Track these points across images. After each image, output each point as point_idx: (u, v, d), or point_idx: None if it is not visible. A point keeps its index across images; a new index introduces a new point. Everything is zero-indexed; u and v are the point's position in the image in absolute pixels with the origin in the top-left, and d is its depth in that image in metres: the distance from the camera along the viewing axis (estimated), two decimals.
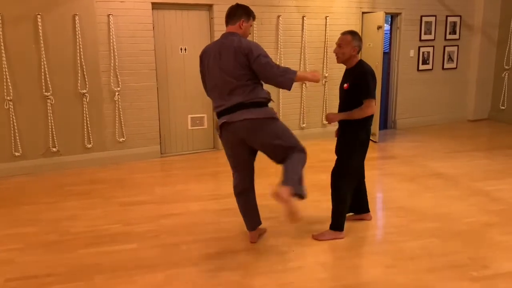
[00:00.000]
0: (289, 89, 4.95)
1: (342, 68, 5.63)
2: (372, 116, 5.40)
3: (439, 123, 12.15)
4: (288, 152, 4.97)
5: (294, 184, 4.83)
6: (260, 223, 5.58)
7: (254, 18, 5.14)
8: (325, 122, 5.21)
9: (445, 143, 10.20)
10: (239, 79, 4.87)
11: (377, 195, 7.18)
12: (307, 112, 10.38)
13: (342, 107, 5.44)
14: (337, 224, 5.58)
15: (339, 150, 5.55)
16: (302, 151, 5.03)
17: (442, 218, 6.17)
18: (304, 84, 10.24)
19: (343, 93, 5.39)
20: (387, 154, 9.48)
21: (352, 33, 5.36)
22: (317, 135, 10.36)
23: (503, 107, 12.11)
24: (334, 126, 5.70)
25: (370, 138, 9.92)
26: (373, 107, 5.25)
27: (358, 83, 5.23)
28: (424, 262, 4.98)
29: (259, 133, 4.91)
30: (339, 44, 5.34)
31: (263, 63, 4.80)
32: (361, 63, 5.38)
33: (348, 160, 5.46)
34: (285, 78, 4.84)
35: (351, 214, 5.96)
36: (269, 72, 4.83)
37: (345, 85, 5.33)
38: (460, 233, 5.70)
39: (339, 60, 5.42)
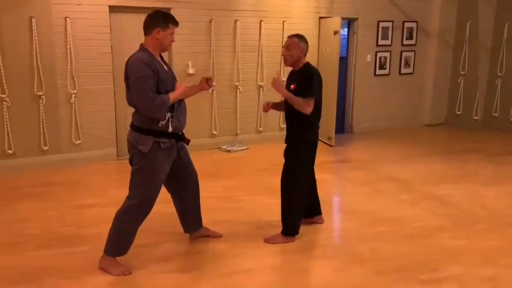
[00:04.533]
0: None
1: None
2: (319, 118, 5.53)
3: (396, 127, 12.31)
4: (128, 193, 4.91)
5: (108, 251, 4.93)
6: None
7: (175, 24, 4.85)
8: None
9: (401, 147, 10.38)
10: (128, 99, 4.85)
11: (330, 198, 7.29)
12: (264, 115, 10.38)
13: (288, 108, 5.51)
14: (289, 230, 5.65)
15: (288, 153, 5.61)
16: (130, 206, 4.84)
17: (393, 222, 6.31)
18: (261, 88, 10.34)
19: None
20: (342, 158, 9.62)
21: (299, 36, 5.47)
22: (274, 138, 10.35)
23: (458, 112, 12.39)
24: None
25: (327, 142, 10.11)
26: (311, 107, 5.28)
27: (303, 83, 5.30)
28: (373, 265, 5.09)
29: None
30: (287, 47, 5.42)
31: (135, 90, 4.62)
32: (308, 65, 5.49)
33: (297, 163, 5.53)
34: (158, 115, 4.64)
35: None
36: (140, 103, 4.63)
37: (292, 85, 5.39)
38: (410, 237, 5.84)
39: (287, 63, 5.52)
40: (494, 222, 6.35)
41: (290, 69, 5.65)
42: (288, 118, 5.58)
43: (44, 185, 7.71)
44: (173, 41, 4.93)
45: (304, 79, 5.34)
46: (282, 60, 5.64)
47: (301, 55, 5.42)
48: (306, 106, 5.26)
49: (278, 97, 5.96)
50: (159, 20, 4.75)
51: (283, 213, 5.66)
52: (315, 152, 5.65)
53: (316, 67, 10.42)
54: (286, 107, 5.54)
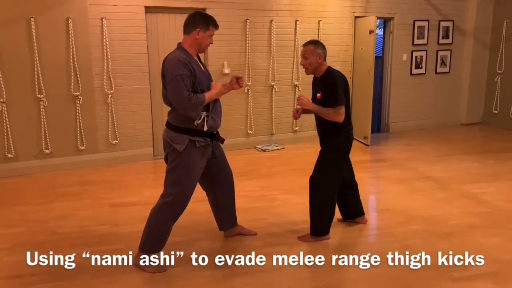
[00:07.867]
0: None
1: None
2: (349, 121, 5.46)
3: (432, 127, 12.17)
4: (163, 191, 4.96)
5: (143, 249, 4.94)
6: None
7: (215, 26, 4.85)
8: (297, 106, 5.25)
9: (437, 146, 10.26)
10: (164, 98, 4.88)
11: (365, 197, 7.16)
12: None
13: (318, 117, 5.46)
14: (317, 231, 5.62)
15: (319, 156, 5.58)
16: (165, 203, 4.89)
17: (428, 220, 6.23)
18: (297, 88, 10.31)
19: (316, 102, 5.37)
20: (378, 157, 9.57)
21: (314, 42, 5.39)
22: (310, 138, 10.29)
23: (495, 111, 12.17)
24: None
25: (362, 141, 10.06)
26: (343, 115, 5.24)
27: (328, 91, 5.24)
28: (407, 263, 4.98)
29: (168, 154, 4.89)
30: (304, 56, 5.33)
31: (171, 89, 4.60)
32: (330, 70, 5.38)
33: (326, 166, 5.49)
34: (194, 114, 4.64)
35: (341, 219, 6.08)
36: (176, 101, 4.63)
37: (318, 94, 5.35)
38: (444, 235, 5.78)
39: (308, 72, 5.44)
40: None
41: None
42: (318, 123, 5.55)
43: (80, 184, 7.80)
44: (211, 43, 4.93)
45: (329, 88, 5.26)
46: (304, 70, 5.55)
47: (319, 61, 5.31)
48: (337, 116, 5.23)
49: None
50: (200, 20, 4.76)
51: (311, 214, 5.64)
52: (347, 155, 5.62)
53: (352, 66, 10.55)
54: (316, 115, 5.49)
